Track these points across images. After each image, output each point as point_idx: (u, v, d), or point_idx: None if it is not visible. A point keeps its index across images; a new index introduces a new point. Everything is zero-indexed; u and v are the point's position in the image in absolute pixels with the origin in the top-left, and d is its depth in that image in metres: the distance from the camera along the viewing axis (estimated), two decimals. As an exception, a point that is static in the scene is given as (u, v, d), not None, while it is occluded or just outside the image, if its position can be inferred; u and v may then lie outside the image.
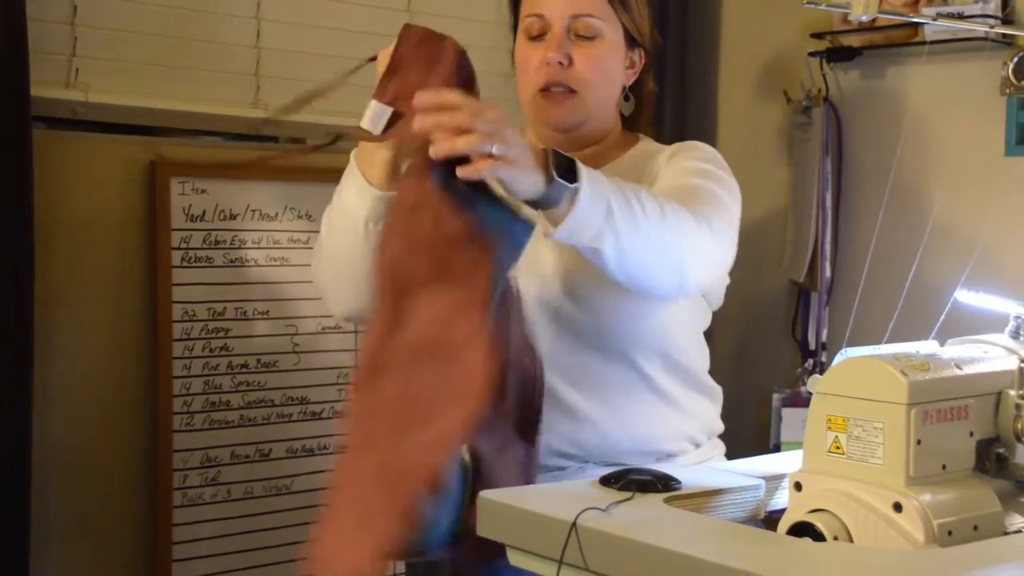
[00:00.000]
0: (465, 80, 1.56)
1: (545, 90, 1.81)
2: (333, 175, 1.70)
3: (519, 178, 1.48)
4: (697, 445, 1.85)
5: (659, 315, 1.76)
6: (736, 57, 3.00)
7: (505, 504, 1.39)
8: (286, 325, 2.42)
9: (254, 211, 2.37)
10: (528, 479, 1.58)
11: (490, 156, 1.44)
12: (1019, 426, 1.33)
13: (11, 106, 2.01)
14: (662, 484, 1.44)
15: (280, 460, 2.40)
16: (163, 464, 2.27)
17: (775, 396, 2.70)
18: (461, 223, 1.43)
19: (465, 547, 1.53)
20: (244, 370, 2.36)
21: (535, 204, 1.52)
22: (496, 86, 2.58)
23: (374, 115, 1.53)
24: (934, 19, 2.23)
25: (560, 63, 1.80)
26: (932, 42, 2.50)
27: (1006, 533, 1.30)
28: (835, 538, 1.25)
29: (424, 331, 1.42)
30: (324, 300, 1.79)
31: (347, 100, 1.65)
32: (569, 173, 1.51)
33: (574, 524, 1.27)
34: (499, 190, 1.50)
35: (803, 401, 2.60)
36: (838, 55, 2.71)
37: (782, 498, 1.50)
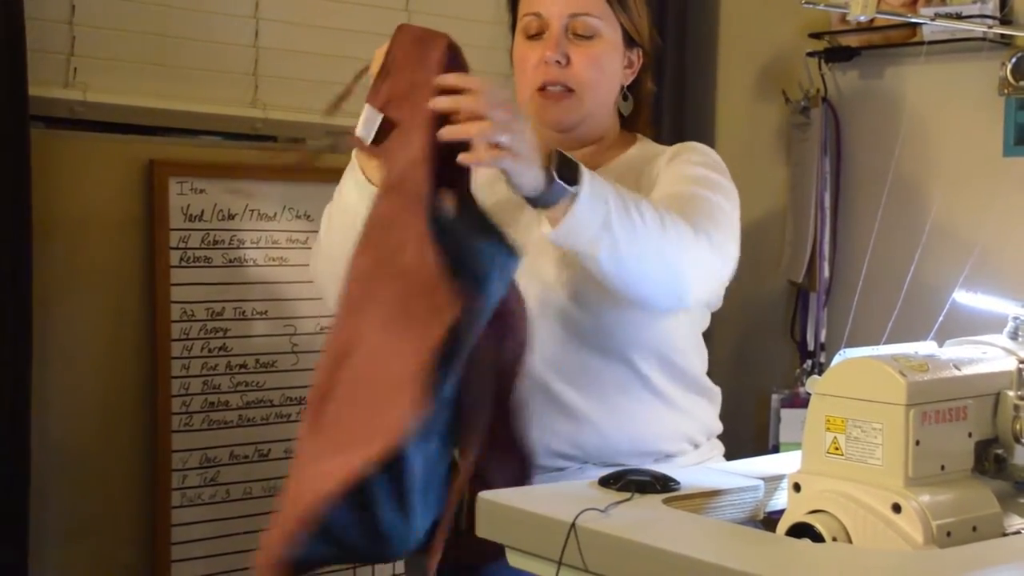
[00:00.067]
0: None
1: (543, 89, 1.81)
2: (332, 175, 1.70)
3: (521, 172, 1.49)
4: (696, 446, 1.85)
5: (659, 317, 1.76)
6: (735, 57, 3.00)
7: (504, 505, 1.39)
8: (285, 325, 2.41)
9: (253, 211, 2.37)
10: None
11: (497, 146, 1.45)
12: (1017, 427, 1.33)
13: (9, 105, 2.01)
14: (661, 485, 1.44)
15: (279, 460, 2.40)
16: (162, 464, 2.27)
17: (774, 397, 2.70)
18: (434, 258, 1.42)
19: (455, 545, 1.56)
20: (243, 370, 2.36)
21: (534, 201, 1.53)
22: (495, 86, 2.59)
23: (366, 120, 1.53)
24: (932, 19, 2.24)
25: (558, 62, 1.80)
26: (930, 42, 2.50)
27: (1005, 534, 1.30)
28: (834, 539, 1.25)
29: (365, 362, 1.42)
30: (323, 299, 1.79)
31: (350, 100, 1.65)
32: (573, 176, 1.51)
33: (573, 525, 1.28)
34: (485, 213, 1.52)
35: (802, 402, 2.60)
36: (836, 55, 2.71)
37: (781, 499, 1.50)
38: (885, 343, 1.39)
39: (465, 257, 1.46)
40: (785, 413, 2.65)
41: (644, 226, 1.56)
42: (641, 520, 1.32)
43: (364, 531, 1.47)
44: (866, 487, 1.26)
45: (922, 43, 2.52)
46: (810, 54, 2.73)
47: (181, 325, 2.29)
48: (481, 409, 1.55)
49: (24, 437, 2.05)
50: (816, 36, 2.72)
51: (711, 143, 2.95)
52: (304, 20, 2.48)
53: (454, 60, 1.54)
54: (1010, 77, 2.40)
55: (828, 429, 1.30)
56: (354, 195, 1.65)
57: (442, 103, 1.46)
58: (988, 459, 1.33)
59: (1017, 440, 1.33)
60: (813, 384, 1.33)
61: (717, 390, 1.90)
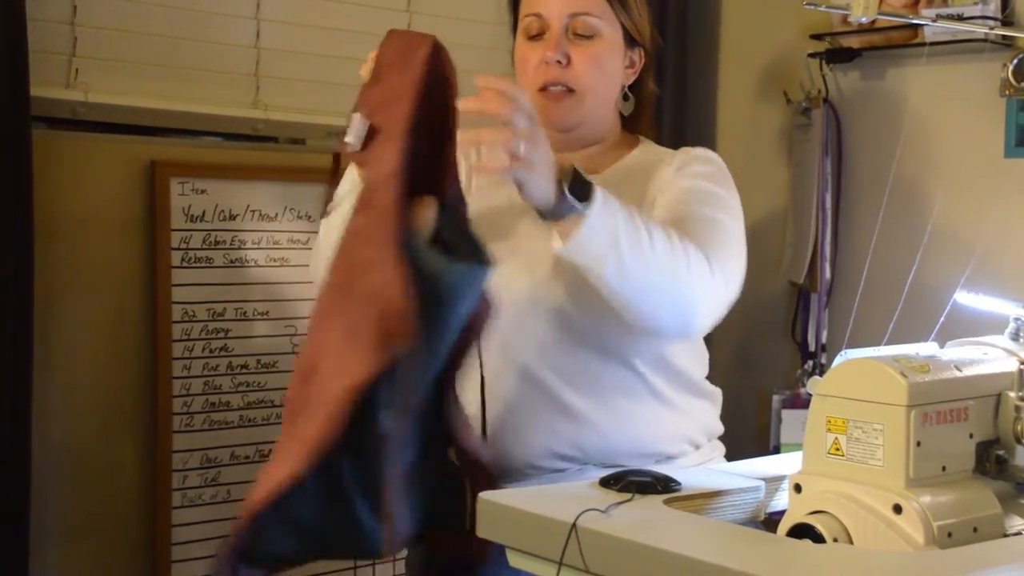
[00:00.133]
0: (438, 80, 1.55)
1: (544, 89, 1.81)
2: (339, 176, 1.70)
3: (535, 184, 1.50)
4: (697, 447, 1.84)
5: None
6: (736, 58, 3.00)
7: (505, 505, 1.39)
8: (286, 326, 2.42)
9: (254, 211, 2.37)
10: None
11: (516, 156, 1.46)
12: (1019, 428, 1.33)
13: (11, 106, 2.01)
14: (662, 485, 1.44)
15: (279, 461, 2.40)
16: (163, 465, 2.27)
17: (775, 398, 2.70)
18: (398, 282, 1.43)
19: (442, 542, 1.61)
20: (244, 371, 2.36)
21: (545, 214, 1.54)
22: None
23: (354, 127, 1.53)
24: (934, 20, 2.24)
25: (559, 62, 1.80)
26: (932, 43, 2.50)
27: (1006, 535, 1.30)
28: (835, 540, 1.25)
29: (325, 378, 1.44)
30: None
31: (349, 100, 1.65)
32: (586, 193, 1.52)
33: (574, 525, 1.28)
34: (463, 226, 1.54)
35: (803, 403, 2.60)
36: (838, 56, 2.71)
37: (782, 500, 1.50)
38: (886, 344, 1.39)
39: (432, 280, 1.48)
40: (786, 414, 2.65)
41: (653, 251, 1.57)
42: (642, 521, 1.32)
43: (333, 527, 1.50)
44: (867, 488, 1.26)
45: (923, 44, 2.52)
46: (811, 55, 2.73)
47: (182, 325, 2.29)
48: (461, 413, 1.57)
49: (25, 437, 2.05)
50: (817, 37, 2.72)
51: (712, 144, 2.96)
52: (305, 21, 2.48)
53: (437, 62, 1.55)
54: (1011, 78, 2.40)
55: (829, 430, 1.30)
56: (348, 202, 1.65)
57: (467, 105, 1.48)
58: (989, 460, 1.33)
59: (1018, 441, 1.33)
60: (814, 385, 1.33)
61: (718, 391, 1.90)
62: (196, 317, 2.30)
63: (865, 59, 2.70)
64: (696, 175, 1.80)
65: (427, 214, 1.55)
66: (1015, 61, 2.40)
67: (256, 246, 2.38)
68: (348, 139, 1.52)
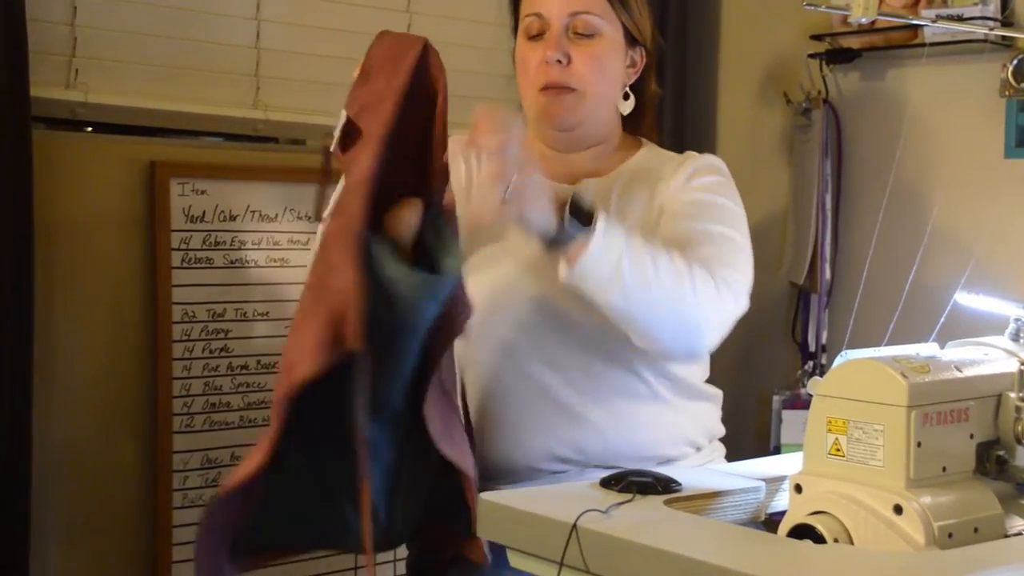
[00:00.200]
0: (426, 85, 1.56)
1: (545, 89, 1.81)
2: (333, 176, 1.70)
3: (530, 216, 1.52)
4: (698, 448, 1.85)
5: None
6: (736, 59, 3.00)
7: (505, 506, 1.39)
8: (286, 326, 2.41)
9: (254, 212, 2.37)
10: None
11: (504, 199, 1.49)
12: (1019, 428, 1.33)
13: (11, 107, 2.01)
14: (662, 486, 1.44)
15: (279, 461, 2.40)
16: (163, 465, 2.27)
17: (775, 398, 2.70)
18: (352, 288, 1.46)
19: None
20: (244, 371, 2.36)
21: (549, 244, 1.55)
22: (498, 87, 2.59)
23: (341, 127, 1.55)
24: (934, 21, 2.24)
25: (559, 61, 1.80)
26: (932, 44, 2.50)
27: (1007, 535, 1.30)
28: (835, 540, 1.25)
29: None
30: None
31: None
32: (587, 220, 1.54)
33: (574, 526, 1.28)
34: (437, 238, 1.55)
35: (803, 403, 2.60)
36: (838, 57, 2.71)
37: (782, 500, 1.50)
38: (886, 344, 1.39)
39: (389, 286, 1.50)
40: (786, 414, 2.65)
41: (657, 275, 1.58)
42: (642, 521, 1.32)
43: (318, 519, 1.57)
44: (867, 488, 1.26)
45: (923, 45, 2.52)
46: (811, 56, 2.73)
47: (182, 326, 2.29)
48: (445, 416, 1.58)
49: (25, 437, 2.05)
50: (817, 38, 2.72)
51: (712, 145, 2.96)
52: (305, 21, 2.48)
53: (425, 66, 1.55)
54: (1011, 79, 2.40)
55: (829, 430, 1.30)
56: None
57: (461, 145, 1.52)
58: (989, 460, 1.33)
59: (1018, 441, 1.33)
60: (814, 385, 1.33)
61: (719, 393, 1.90)
62: (196, 318, 2.30)
63: (865, 60, 2.70)
64: (703, 187, 1.80)
65: (408, 216, 1.56)
66: (1015, 62, 2.40)
67: (256, 247, 2.38)
68: (337, 131, 1.54)
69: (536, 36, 1.83)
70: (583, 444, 1.75)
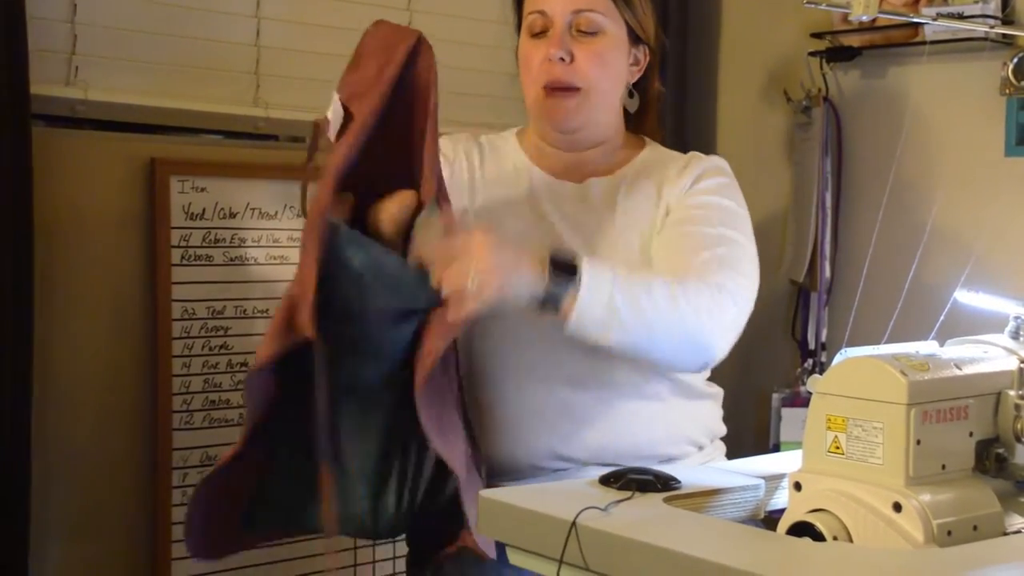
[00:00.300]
0: (416, 77, 1.57)
1: (548, 88, 1.81)
2: (317, 171, 1.70)
3: (509, 292, 1.53)
4: (700, 448, 1.85)
5: None
6: (736, 57, 3.00)
7: (505, 503, 1.39)
8: (286, 324, 2.41)
9: (254, 209, 2.37)
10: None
11: (472, 294, 1.50)
12: (1019, 426, 1.33)
13: (11, 104, 2.01)
14: (662, 484, 1.44)
15: (279, 459, 2.40)
16: (162, 462, 2.27)
17: (775, 396, 2.70)
18: (312, 275, 1.50)
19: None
20: (244, 368, 2.36)
21: (541, 307, 1.56)
22: (501, 85, 2.59)
23: (334, 109, 1.56)
24: (934, 19, 2.23)
25: (562, 59, 1.80)
26: (932, 42, 2.50)
27: (1005, 533, 1.30)
28: (835, 538, 1.25)
29: None
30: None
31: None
32: (571, 272, 1.55)
33: (574, 523, 1.28)
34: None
35: (803, 401, 2.60)
36: (838, 55, 2.71)
37: (782, 498, 1.50)
38: (886, 342, 1.39)
39: (357, 275, 1.52)
40: (786, 412, 2.66)
41: (653, 304, 1.59)
42: (642, 519, 1.32)
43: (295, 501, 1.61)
44: (867, 486, 1.26)
45: (924, 43, 2.52)
46: (812, 54, 2.73)
47: (182, 323, 2.29)
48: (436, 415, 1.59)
49: (25, 435, 2.05)
50: (818, 36, 2.72)
51: (712, 143, 2.96)
52: (305, 19, 2.48)
53: (416, 59, 1.56)
54: (1011, 77, 2.40)
55: (829, 428, 1.30)
56: None
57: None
58: (989, 458, 1.33)
59: (1018, 439, 1.33)
60: (814, 383, 1.33)
61: (720, 392, 1.90)
62: (196, 315, 2.30)
63: (865, 58, 2.70)
64: (708, 189, 1.81)
65: (393, 208, 1.57)
66: (1015, 60, 2.40)
67: (256, 244, 2.38)
68: (328, 113, 1.55)
69: (539, 34, 1.82)
70: (585, 443, 1.75)
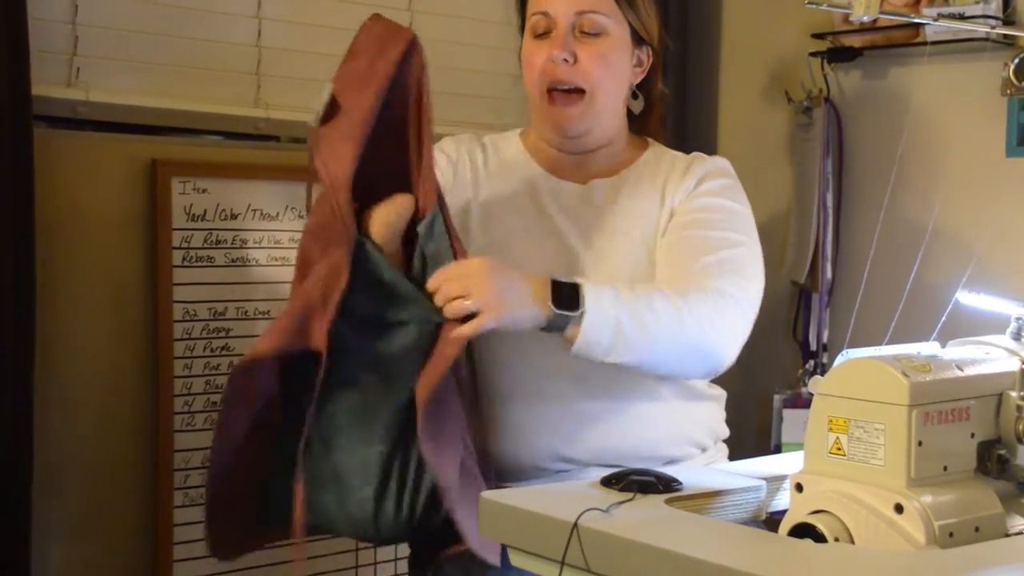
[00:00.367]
0: (408, 79, 1.58)
1: (552, 92, 1.81)
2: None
3: (508, 320, 1.56)
4: (703, 449, 1.85)
5: None
6: (737, 57, 3.00)
7: (506, 505, 1.39)
8: (287, 325, 2.41)
9: (255, 211, 2.37)
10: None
11: (473, 315, 1.53)
12: (1020, 427, 1.33)
13: (12, 105, 2.01)
14: (663, 485, 1.44)
15: (280, 460, 2.40)
16: (164, 464, 2.27)
17: (776, 397, 2.70)
18: (337, 287, 1.54)
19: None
20: (245, 370, 2.36)
21: (544, 330, 1.59)
22: (503, 86, 2.59)
23: (325, 96, 1.57)
24: (935, 20, 2.23)
25: (565, 60, 1.80)
26: (933, 43, 2.50)
27: (1007, 535, 1.30)
28: (836, 539, 1.25)
29: None
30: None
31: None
32: (574, 297, 1.58)
33: (575, 525, 1.27)
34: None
35: (804, 402, 2.60)
36: (839, 55, 2.71)
37: (783, 499, 1.50)
38: (887, 344, 1.39)
39: (376, 285, 1.56)
40: (787, 413, 2.65)
41: (657, 320, 1.61)
42: (643, 520, 1.32)
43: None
44: (868, 487, 1.26)
45: (925, 43, 2.52)
46: (813, 54, 2.73)
47: (183, 325, 2.29)
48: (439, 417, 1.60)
49: (27, 436, 2.05)
50: (819, 36, 2.72)
51: (713, 144, 2.96)
52: (306, 20, 2.48)
53: (409, 59, 1.57)
54: (1013, 78, 2.40)
55: (830, 429, 1.30)
56: None
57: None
58: (991, 460, 1.33)
59: (1020, 440, 1.33)
60: (815, 384, 1.33)
61: (723, 393, 1.90)
62: (197, 316, 2.30)
63: (866, 58, 2.69)
64: (712, 191, 1.81)
65: (388, 214, 1.58)
66: (1016, 60, 2.40)
67: (257, 245, 2.38)
68: (319, 109, 1.57)
69: (542, 35, 1.83)
70: (589, 444, 1.75)
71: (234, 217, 2.35)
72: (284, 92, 2.44)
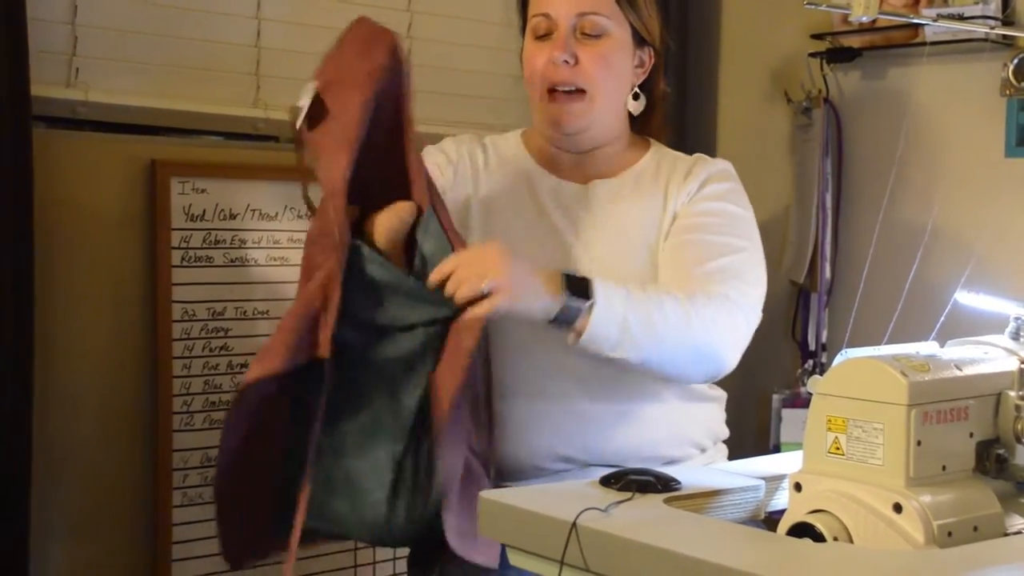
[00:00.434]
0: (394, 80, 1.59)
1: (553, 91, 1.81)
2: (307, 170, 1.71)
3: (523, 305, 1.56)
4: (703, 450, 1.85)
5: None
6: (737, 58, 3.00)
7: (505, 504, 1.39)
8: (285, 324, 2.41)
9: (254, 211, 2.37)
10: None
11: (487, 295, 1.52)
12: (1019, 427, 1.33)
13: (11, 105, 2.01)
14: (662, 484, 1.44)
15: (279, 460, 2.40)
16: (163, 463, 2.27)
17: (775, 397, 2.70)
18: (333, 296, 1.54)
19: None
20: (244, 370, 2.34)
21: (553, 323, 1.59)
22: (503, 87, 2.59)
23: (306, 97, 1.58)
24: (934, 20, 2.24)
25: (566, 62, 1.80)
26: (932, 43, 2.50)
27: (1006, 534, 1.30)
28: (835, 539, 1.25)
29: None
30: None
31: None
32: (584, 291, 1.58)
33: (574, 524, 1.28)
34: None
35: (803, 402, 2.60)
36: (838, 56, 2.71)
37: (782, 499, 1.50)
38: (886, 343, 1.39)
39: (372, 287, 1.56)
40: (786, 413, 2.65)
41: (664, 320, 1.61)
42: (642, 520, 1.32)
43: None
44: (867, 487, 1.26)
45: (924, 44, 2.52)
46: (812, 55, 2.73)
47: (182, 324, 2.29)
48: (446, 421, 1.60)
49: (25, 435, 2.05)
50: (818, 37, 2.72)
51: (713, 144, 2.96)
52: (306, 20, 2.47)
53: (394, 61, 1.57)
54: (1012, 78, 2.40)
55: (829, 429, 1.30)
56: None
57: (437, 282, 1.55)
58: (989, 459, 1.33)
59: (1018, 440, 1.33)
60: (814, 384, 1.33)
61: (723, 394, 1.91)
62: (196, 316, 2.30)
63: (866, 59, 2.69)
64: (715, 195, 1.81)
65: (391, 221, 1.58)
66: (1015, 61, 2.40)
67: (256, 245, 2.38)
68: (300, 103, 1.57)
69: (543, 36, 1.83)
70: (589, 444, 1.75)
71: (233, 217, 2.35)
72: (283, 92, 2.43)
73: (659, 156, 1.90)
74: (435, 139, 1.98)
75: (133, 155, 2.26)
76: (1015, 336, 1.43)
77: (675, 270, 1.75)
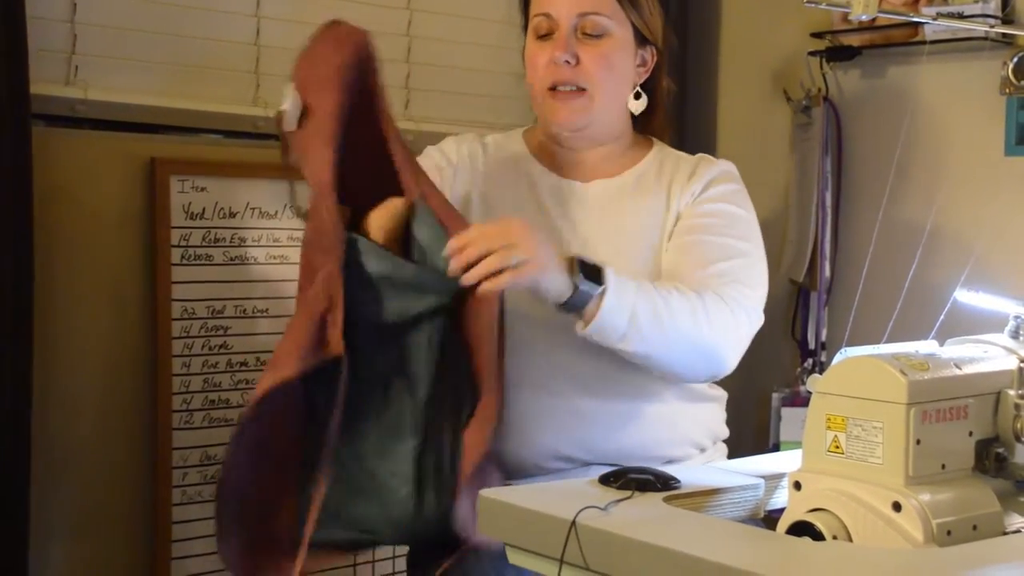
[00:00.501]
0: (361, 79, 1.61)
1: (553, 89, 1.82)
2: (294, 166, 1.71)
3: (548, 282, 1.56)
4: (702, 450, 1.85)
5: None
6: (736, 57, 3.00)
7: (505, 503, 1.39)
8: (285, 323, 2.40)
9: (254, 209, 2.37)
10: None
11: (512, 268, 1.52)
12: (1018, 426, 1.33)
13: (11, 104, 2.01)
14: (661, 483, 1.44)
15: (279, 458, 2.40)
16: (162, 462, 2.27)
17: (774, 396, 2.70)
18: (337, 295, 1.53)
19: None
20: (243, 368, 2.36)
21: (563, 307, 1.59)
22: (504, 85, 2.59)
23: (292, 101, 1.60)
24: (934, 19, 2.23)
25: (567, 62, 1.80)
26: (932, 42, 2.50)
27: (1005, 533, 1.30)
28: (834, 537, 1.25)
29: None
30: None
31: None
32: (597, 278, 1.58)
33: (574, 523, 1.28)
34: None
35: (802, 401, 2.60)
36: (838, 54, 2.71)
37: (781, 497, 1.50)
38: (886, 342, 1.39)
39: (380, 287, 1.56)
40: (786, 412, 2.65)
41: (671, 316, 1.62)
42: (642, 518, 1.32)
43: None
44: (867, 486, 1.26)
45: (924, 42, 2.52)
46: (812, 53, 2.73)
47: (182, 323, 2.29)
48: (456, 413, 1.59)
49: (25, 434, 2.05)
50: (818, 35, 2.72)
51: (713, 143, 2.96)
52: (305, 18, 2.46)
53: (363, 59, 1.58)
54: (1011, 76, 2.40)
55: (829, 428, 1.30)
56: None
57: (456, 269, 1.53)
58: (989, 458, 1.33)
59: (1018, 439, 1.33)
60: (814, 383, 1.33)
61: (723, 394, 1.91)
62: (196, 314, 2.30)
63: (865, 57, 2.69)
64: (719, 196, 1.82)
65: (384, 219, 1.58)
66: (1015, 59, 2.40)
67: (256, 243, 2.38)
68: (285, 104, 1.59)
69: (545, 36, 1.83)
70: (589, 444, 1.76)
71: (233, 215, 2.35)
72: (283, 91, 2.44)
73: (662, 156, 1.90)
74: (435, 138, 1.98)
75: (132, 153, 2.26)
76: (1014, 335, 1.43)
77: (677, 271, 1.75)
